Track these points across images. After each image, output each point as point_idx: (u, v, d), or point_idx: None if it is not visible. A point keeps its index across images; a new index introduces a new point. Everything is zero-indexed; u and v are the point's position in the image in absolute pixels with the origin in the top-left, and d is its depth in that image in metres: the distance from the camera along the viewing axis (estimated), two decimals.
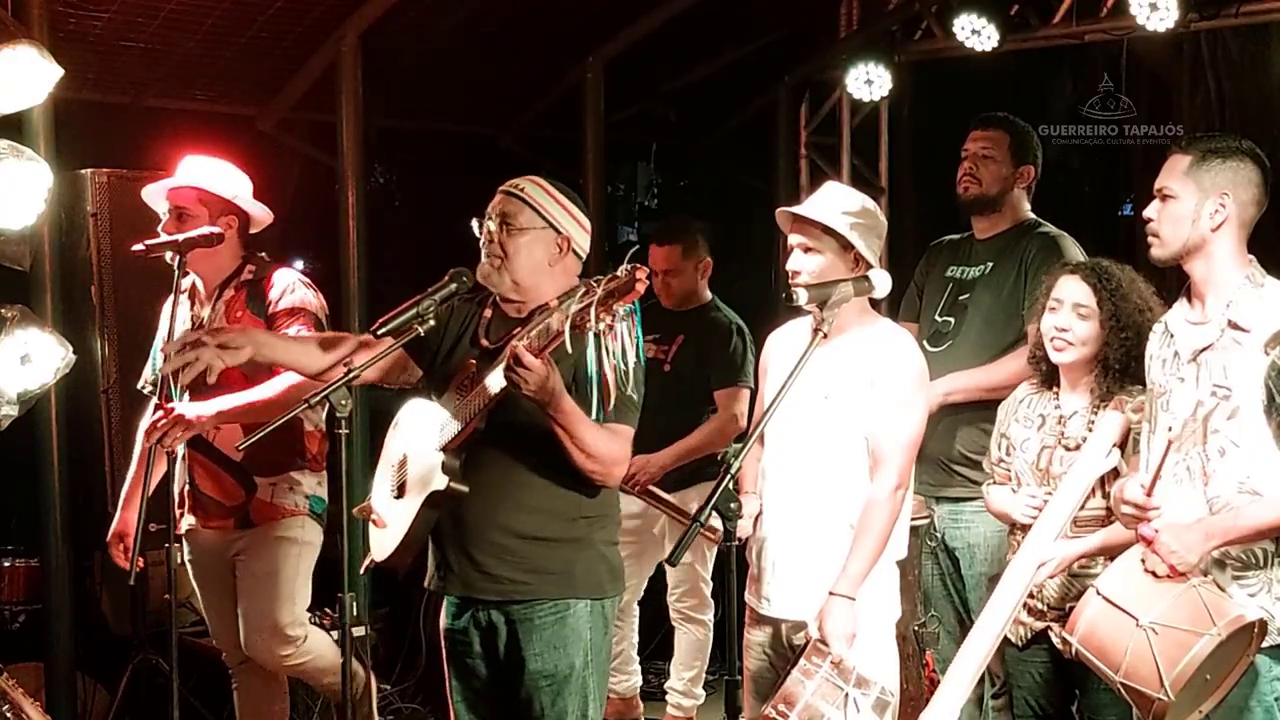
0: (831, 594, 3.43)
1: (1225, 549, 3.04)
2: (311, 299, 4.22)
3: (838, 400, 3.51)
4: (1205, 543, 3.01)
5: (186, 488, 4.27)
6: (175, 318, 4.13)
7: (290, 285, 4.21)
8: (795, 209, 3.57)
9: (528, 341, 3.10)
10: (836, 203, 3.55)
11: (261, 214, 4.33)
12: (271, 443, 4.02)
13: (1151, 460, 3.17)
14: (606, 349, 2.99)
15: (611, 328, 2.94)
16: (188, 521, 4.31)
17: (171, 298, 4.11)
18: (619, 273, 2.93)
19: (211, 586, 4.39)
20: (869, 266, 3.50)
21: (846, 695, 3.34)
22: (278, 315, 4.15)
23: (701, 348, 5.29)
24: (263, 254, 4.32)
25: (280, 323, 4.14)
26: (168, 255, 4.12)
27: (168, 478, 4.02)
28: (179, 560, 4.10)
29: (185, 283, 4.33)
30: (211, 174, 4.27)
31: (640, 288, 2.91)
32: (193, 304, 4.32)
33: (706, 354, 5.28)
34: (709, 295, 5.46)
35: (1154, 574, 3.04)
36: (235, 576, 4.30)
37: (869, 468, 3.53)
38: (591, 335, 2.98)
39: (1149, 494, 3.10)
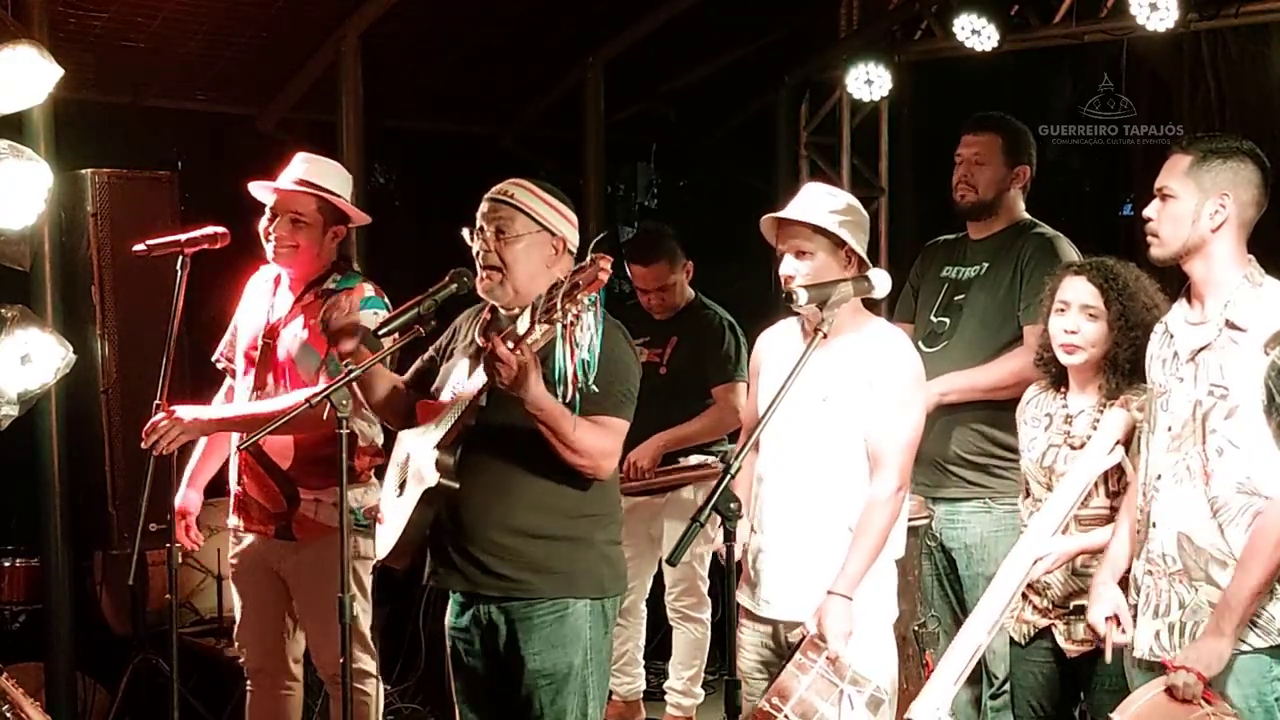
0: (830, 593, 3.43)
1: (1225, 551, 3.04)
2: (374, 323, 4.14)
3: (836, 402, 3.51)
4: (1220, 640, 2.99)
5: (237, 488, 4.25)
6: (179, 318, 4.12)
7: (364, 305, 4.06)
8: (782, 214, 3.57)
9: (504, 335, 3.11)
10: (822, 203, 3.55)
11: (364, 221, 4.32)
12: (320, 456, 4.03)
13: (1150, 460, 3.18)
14: (575, 341, 2.99)
15: (578, 318, 2.95)
16: (232, 521, 4.28)
17: (177, 295, 4.09)
18: (584, 264, 2.94)
19: (251, 593, 4.32)
20: (861, 264, 3.50)
21: (841, 692, 3.35)
22: None
23: (695, 347, 5.32)
24: (355, 266, 4.30)
25: None
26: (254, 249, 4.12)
27: (172, 478, 4.02)
28: (179, 560, 4.10)
29: (270, 269, 4.28)
30: (336, 181, 4.20)
31: (603, 277, 2.92)
32: (275, 291, 4.27)
33: (701, 352, 5.30)
34: (692, 293, 5.48)
35: (1185, 700, 3.00)
36: (288, 594, 4.25)
37: (868, 469, 3.53)
38: (559, 328, 2.98)
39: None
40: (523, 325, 3.09)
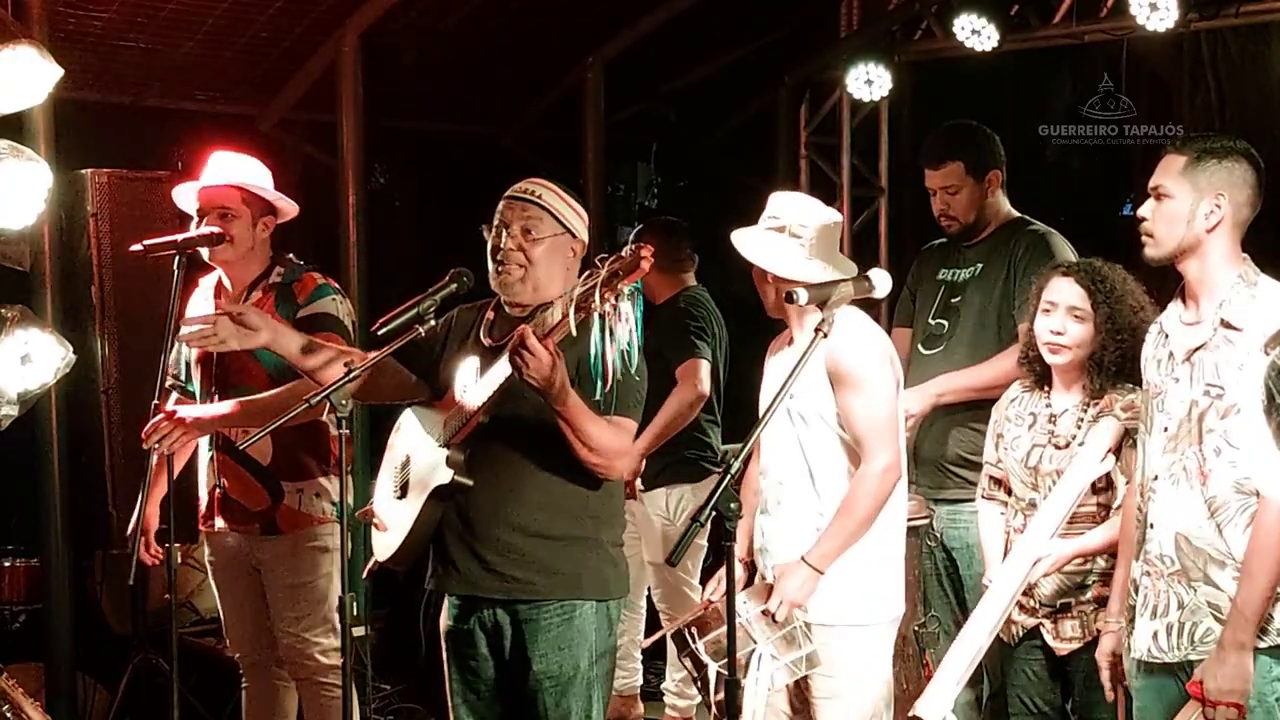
0: (802, 559, 3.44)
1: (1224, 551, 3.04)
2: (338, 309, 4.17)
3: (801, 398, 3.53)
4: (1242, 654, 2.94)
5: (215, 489, 4.26)
6: (180, 317, 4.13)
7: (321, 292, 4.18)
8: (743, 246, 3.61)
9: (533, 328, 3.10)
10: (766, 217, 3.63)
11: (292, 211, 4.33)
12: (298, 447, 4.10)
13: (1147, 461, 3.18)
14: (610, 331, 2.98)
15: (616, 308, 2.94)
16: (217, 524, 4.30)
17: (174, 295, 4.10)
18: (623, 253, 2.93)
19: (232, 588, 4.36)
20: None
21: (754, 650, 3.36)
22: (300, 321, 4.10)
23: (657, 336, 5.31)
24: (291, 255, 4.31)
25: (300, 328, 4.10)
26: (205, 252, 4.13)
27: (171, 478, 4.03)
28: (179, 560, 4.10)
29: (210, 279, 4.32)
30: (253, 172, 4.24)
31: (645, 265, 2.91)
32: (217, 294, 4.30)
33: (662, 340, 5.26)
34: (692, 283, 5.50)
35: None
36: (263, 583, 4.27)
37: (846, 457, 3.53)
38: (596, 317, 2.97)
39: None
40: (554, 317, 3.08)
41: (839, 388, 3.50)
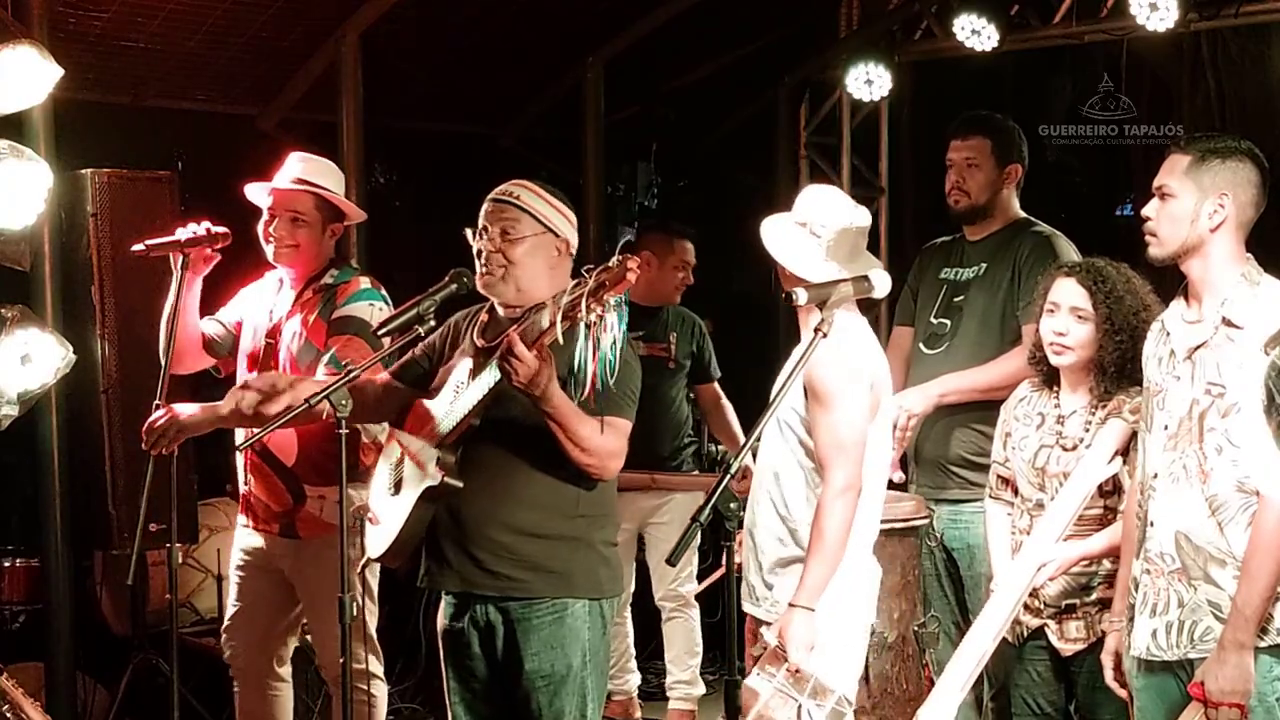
0: (791, 605, 3.43)
1: (1224, 550, 3.04)
2: (371, 314, 4.08)
3: (784, 407, 3.53)
4: (1243, 654, 2.94)
5: (242, 489, 4.26)
6: (178, 317, 4.13)
7: (359, 296, 4.14)
8: (766, 237, 3.61)
9: (521, 333, 3.12)
10: (794, 211, 3.62)
11: (360, 217, 4.36)
12: (325, 454, 4.03)
13: (1147, 459, 3.18)
14: (596, 340, 3.02)
15: (602, 318, 2.97)
16: (240, 521, 4.30)
17: (173, 293, 4.10)
18: (610, 263, 2.95)
19: (251, 591, 4.33)
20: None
21: (800, 706, 3.34)
22: (332, 322, 4.11)
23: (688, 344, 5.56)
24: (352, 262, 4.31)
25: (331, 329, 4.09)
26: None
27: (169, 476, 4.02)
28: (179, 560, 4.09)
29: (273, 275, 4.31)
30: (331, 179, 4.22)
31: (631, 277, 2.93)
32: (278, 291, 4.29)
33: (693, 349, 5.56)
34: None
35: None
36: (293, 593, 4.25)
37: (810, 461, 3.54)
38: (582, 326, 2.99)
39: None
40: (543, 323, 3.10)
41: (810, 401, 3.50)
